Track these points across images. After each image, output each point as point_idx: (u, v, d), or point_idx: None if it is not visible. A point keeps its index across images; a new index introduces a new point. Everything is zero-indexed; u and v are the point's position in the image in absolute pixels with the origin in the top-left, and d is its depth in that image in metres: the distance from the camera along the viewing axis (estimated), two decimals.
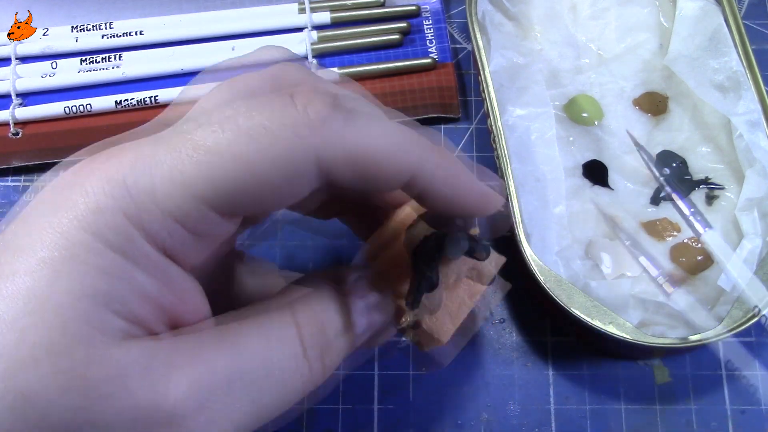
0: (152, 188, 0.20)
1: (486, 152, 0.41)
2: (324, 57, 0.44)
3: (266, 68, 0.23)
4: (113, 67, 0.43)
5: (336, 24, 0.45)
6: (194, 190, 0.20)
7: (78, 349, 0.18)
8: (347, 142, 0.21)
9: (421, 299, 0.24)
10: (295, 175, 0.20)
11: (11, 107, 0.42)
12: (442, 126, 0.42)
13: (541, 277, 0.33)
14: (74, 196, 0.20)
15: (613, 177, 0.38)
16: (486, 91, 0.38)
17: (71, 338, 0.18)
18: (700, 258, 0.36)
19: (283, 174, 0.20)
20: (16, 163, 0.41)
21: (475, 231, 0.26)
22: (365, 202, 0.28)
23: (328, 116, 0.20)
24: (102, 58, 0.44)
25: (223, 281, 0.27)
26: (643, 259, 0.36)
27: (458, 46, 0.45)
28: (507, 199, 0.28)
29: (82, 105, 0.42)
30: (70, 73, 0.43)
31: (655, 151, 0.39)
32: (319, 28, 0.44)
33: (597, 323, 0.32)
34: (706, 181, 0.38)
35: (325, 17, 0.44)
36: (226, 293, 0.27)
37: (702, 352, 0.36)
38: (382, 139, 0.21)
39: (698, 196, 0.38)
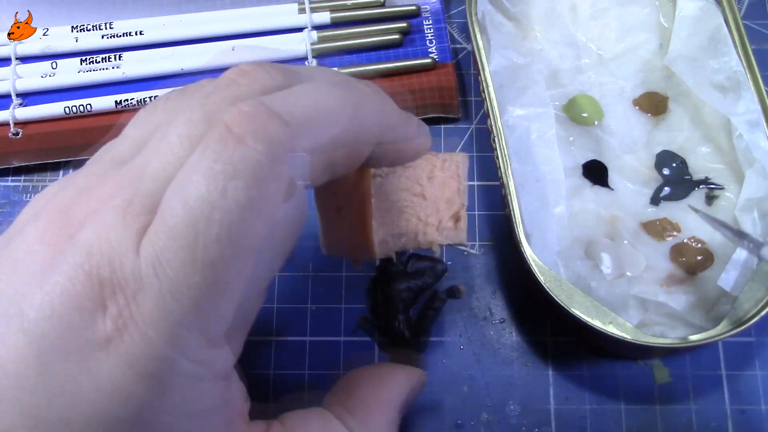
0: None
1: (486, 152, 0.41)
2: (324, 57, 0.44)
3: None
4: (113, 67, 0.43)
5: (336, 24, 0.45)
6: None
7: (59, 363, 0.18)
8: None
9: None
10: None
11: (11, 107, 0.42)
12: (442, 126, 0.42)
13: (541, 277, 0.33)
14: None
15: (613, 177, 0.38)
16: (486, 91, 0.38)
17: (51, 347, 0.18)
18: (700, 258, 0.36)
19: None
20: (16, 163, 0.41)
21: None
22: None
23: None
24: (102, 58, 0.44)
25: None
26: (642, 259, 0.36)
27: (458, 46, 0.45)
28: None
29: (82, 105, 0.42)
30: (70, 73, 0.43)
31: (655, 151, 0.39)
32: (319, 28, 0.44)
33: (597, 323, 0.32)
34: (706, 181, 0.38)
35: (325, 17, 0.44)
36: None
37: (702, 352, 0.36)
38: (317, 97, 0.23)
39: (698, 196, 0.38)
